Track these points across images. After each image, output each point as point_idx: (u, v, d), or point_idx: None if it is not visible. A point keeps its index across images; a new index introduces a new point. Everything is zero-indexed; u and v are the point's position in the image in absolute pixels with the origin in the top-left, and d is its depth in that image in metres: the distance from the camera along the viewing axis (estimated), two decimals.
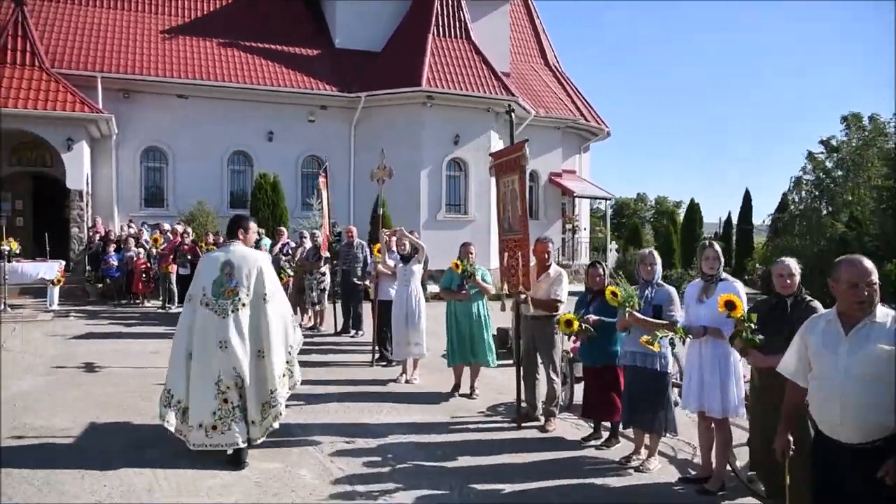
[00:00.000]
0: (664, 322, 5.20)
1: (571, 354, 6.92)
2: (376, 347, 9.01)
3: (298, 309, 11.99)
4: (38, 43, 16.19)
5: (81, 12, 18.86)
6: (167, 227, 14.60)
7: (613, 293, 5.21)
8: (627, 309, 5.20)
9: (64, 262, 14.50)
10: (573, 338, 6.47)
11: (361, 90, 19.55)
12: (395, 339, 8.22)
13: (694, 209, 27.21)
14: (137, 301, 14.20)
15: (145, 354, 8.84)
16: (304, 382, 7.67)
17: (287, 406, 5.87)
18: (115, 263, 13.94)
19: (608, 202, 25.53)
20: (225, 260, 4.87)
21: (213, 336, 4.73)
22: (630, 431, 5.69)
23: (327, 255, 11.26)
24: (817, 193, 23.48)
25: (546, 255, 6.49)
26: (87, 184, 16.27)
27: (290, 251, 12.06)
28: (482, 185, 20.73)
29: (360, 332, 11.08)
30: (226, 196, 18.91)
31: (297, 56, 20.27)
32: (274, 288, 5.01)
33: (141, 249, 13.89)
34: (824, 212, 23.25)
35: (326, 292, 11.36)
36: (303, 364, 8.67)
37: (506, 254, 6.49)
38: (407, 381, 8.10)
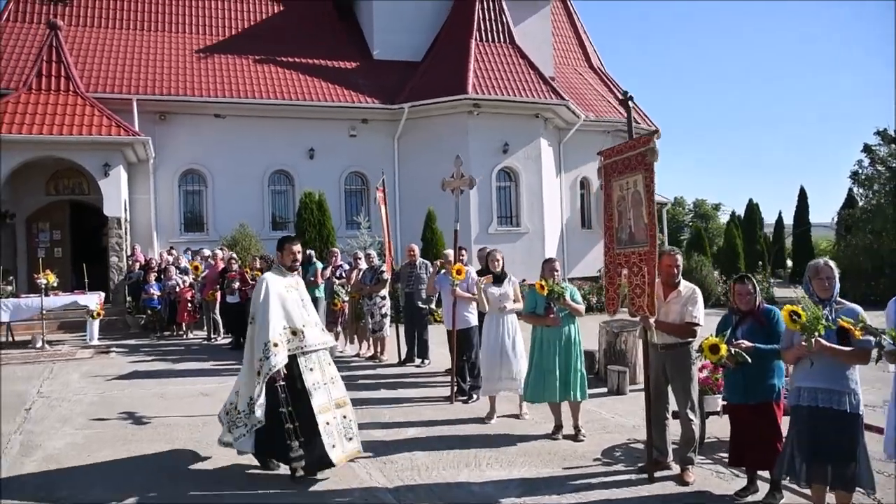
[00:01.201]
0: (858, 350, 4.05)
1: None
2: (456, 380, 7.89)
3: (356, 337, 10.97)
4: (72, 68, 15.62)
5: (115, 35, 18.34)
6: (207, 252, 13.73)
7: (794, 315, 4.04)
8: (812, 336, 4.03)
9: (103, 294, 13.73)
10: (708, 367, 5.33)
11: (404, 101, 18.63)
12: (485, 372, 7.13)
13: (753, 210, 25.64)
14: (181, 333, 13.33)
15: (195, 398, 7.89)
16: (378, 426, 6.71)
17: (365, 458, 5.54)
18: (157, 293, 13.10)
19: (664, 207, 24.15)
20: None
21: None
22: (786, 480, 4.51)
23: (387, 276, 10.21)
24: (890, 187, 21.75)
25: (675, 270, 5.33)
26: (126, 210, 15.56)
27: (343, 274, 11.05)
28: (534, 195, 19.67)
29: (427, 362, 9.99)
30: (267, 217, 18.09)
31: (335, 69, 19.47)
32: (254, 310, 5.04)
33: (185, 277, 13.02)
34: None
35: (388, 318, 10.29)
36: (372, 402, 7.81)
37: (624, 271, 5.33)
38: (513, 416, 7.08)
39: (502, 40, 20.14)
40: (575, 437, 6.32)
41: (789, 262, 29.84)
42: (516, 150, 19.37)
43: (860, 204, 23.28)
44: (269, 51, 19.13)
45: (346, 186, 19.04)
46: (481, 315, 7.52)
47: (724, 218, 39.26)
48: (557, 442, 6.26)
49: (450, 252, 8.16)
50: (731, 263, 21.31)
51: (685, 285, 5.36)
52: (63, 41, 15.74)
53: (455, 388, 7.86)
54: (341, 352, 11.23)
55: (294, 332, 4.96)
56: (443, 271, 8.27)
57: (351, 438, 5.07)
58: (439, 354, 10.17)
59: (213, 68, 18.06)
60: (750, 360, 4.49)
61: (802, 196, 28.83)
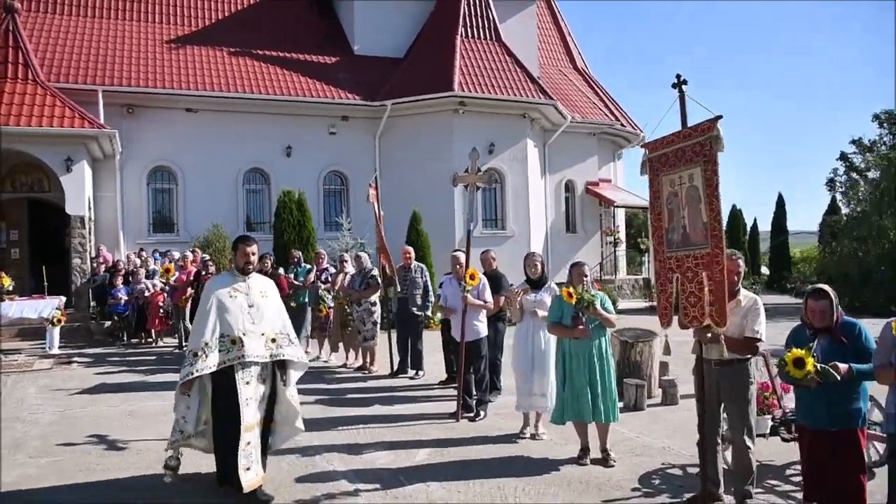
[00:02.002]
0: None
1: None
2: (463, 396, 7.15)
3: (341, 346, 10.15)
4: (31, 54, 14.53)
5: (80, 23, 17.22)
6: (177, 254, 12.77)
7: None
8: None
9: (65, 299, 12.69)
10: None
11: (386, 98, 17.86)
12: (519, 386, 6.46)
13: (736, 216, 25.34)
14: (150, 340, 12.35)
15: (169, 415, 6.97)
16: (381, 448, 5.95)
17: (372, 490, 5.01)
18: (124, 298, 12.12)
19: (647, 212, 23.69)
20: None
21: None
22: None
23: (378, 280, 9.43)
24: (875, 196, 21.64)
25: (736, 278, 4.69)
26: (90, 209, 14.51)
27: (329, 278, 10.24)
28: (519, 197, 19.06)
29: (421, 373, 9.24)
30: (242, 218, 17.13)
31: (315, 64, 18.61)
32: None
33: (155, 281, 12.06)
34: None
35: (378, 325, 9.51)
36: (368, 420, 7.01)
37: (675, 276, 4.66)
38: (533, 437, 6.42)
39: (488, 37, 19.51)
40: (605, 462, 5.65)
41: (765, 269, 29.73)
42: (502, 151, 18.73)
43: (844, 211, 23.17)
44: (245, 43, 18.20)
45: (326, 186, 18.19)
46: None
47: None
48: (586, 468, 5.58)
49: (460, 254, 7.41)
50: None
51: (745, 295, 4.72)
52: (21, 26, 14.66)
53: (461, 404, 7.13)
54: (325, 361, 10.44)
55: (233, 342, 4.59)
56: (449, 277, 7.52)
57: (263, 464, 4.76)
58: (431, 363, 9.45)
59: (185, 60, 17.08)
60: (839, 378, 3.85)
61: (780, 203, 28.74)
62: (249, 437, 4.56)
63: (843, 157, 24.13)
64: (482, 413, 7.17)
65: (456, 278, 7.39)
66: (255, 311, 4.70)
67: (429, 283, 9.37)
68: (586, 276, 5.79)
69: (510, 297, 6.53)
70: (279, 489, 4.91)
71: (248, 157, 17.12)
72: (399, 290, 9.28)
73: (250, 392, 4.60)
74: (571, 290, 5.54)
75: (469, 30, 19.29)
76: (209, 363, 4.48)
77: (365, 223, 17.12)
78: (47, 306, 11.40)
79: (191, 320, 11.14)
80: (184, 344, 11.56)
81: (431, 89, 17.71)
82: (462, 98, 17.64)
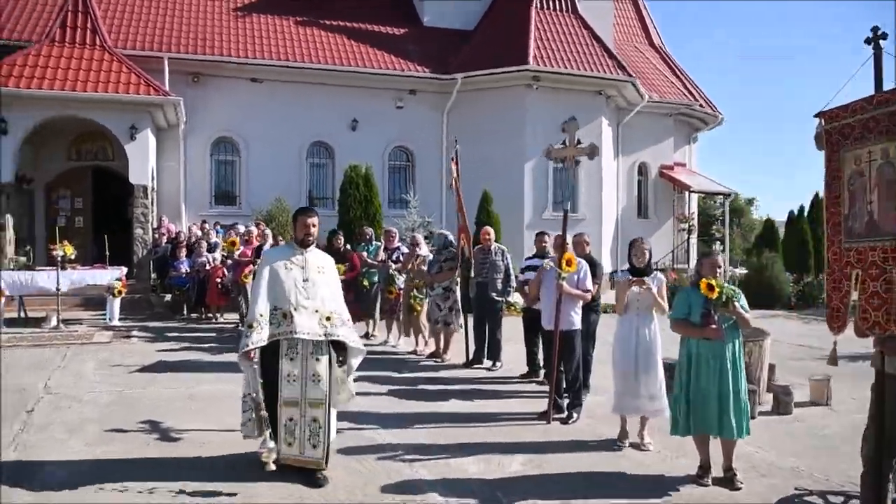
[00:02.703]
0: None
1: None
2: (554, 395, 6.36)
3: (412, 331, 9.47)
4: (99, 20, 14.22)
5: None
6: (241, 228, 12.29)
7: None
8: None
9: (126, 269, 12.38)
10: None
11: (457, 71, 17.03)
12: (619, 385, 5.66)
13: (819, 205, 23.58)
14: (209, 315, 11.94)
15: (233, 401, 6.35)
16: (466, 452, 5.20)
17: None
18: (186, 271, 11.71)
19: (726, 199, 22.30)
20: None
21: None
22: None
23: (454, 262, 8.68)
24: None
25: None
26: (153, 179, 14.19)
27: (401, 257, 9.55)
28: (592, 179, 18.06)
29: (499, 364, 8.48)
30: (304, 193, 16.64)
31: (382, 35, 17.91)
32: None
33: (216, 255, 11.61)
34: None
35: (457, 310, 8.78)
36: (448, 418, 6.13)
37: (855, 272, 3.74)
38: (637, 446, 5.58)
39: (564, 9, 18.44)
40: (730, 484, 4.78)
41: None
42: (574, 130, 17.67)
43: None
44: (312, 12, 17.61)
45: (391, 162, 17.54)
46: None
47: (756, 213, 36.89)
48: (709, 489, 4.73)
49: (548, 237, 6.59)
50: (803, 262, 19.49)
51: None
52: None
53: (552, 404, 6.35)
54: (393, 346, 9.79)
55: (284, 315, 4.47)
56: (545, 263, 6.70)
57: (315, 446, 4.46)
58: (509, 354, 8.70)
59: (252, 28, 16.59)
60: None
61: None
62: (292, 413, 4.45)
63: None
64: (575, 415, 6.37)
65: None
66: (309, 285, 4.55)
67: (510, 266, 8.57)
68: (720, 266, 4.91)
69: (622, 288, 5.68)
70: (364, 499, 4.24)
71: (312, 130, 16.59)
72: (475, 273, 8.50)
73: (294, 369, 4.45)
74: (713, 281, 4.67)
75: (544, 1, 18.25)
76: (264, 335, 4.38)
77: (431, 201, 16.49)
78: (108, 276, 11.06)
79: None
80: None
81: (505, 63, 16.81)
82: (537, 72, 16.69)
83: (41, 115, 12.85)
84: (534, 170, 17.27)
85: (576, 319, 6.45)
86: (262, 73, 16.03)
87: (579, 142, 6.52)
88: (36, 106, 12.72)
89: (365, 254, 9.73)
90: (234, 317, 11.79)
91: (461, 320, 8.89)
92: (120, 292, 10.98)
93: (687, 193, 21.97)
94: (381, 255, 9.56)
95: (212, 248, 12.38)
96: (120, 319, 11.15)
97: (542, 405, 6.67)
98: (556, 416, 6.33)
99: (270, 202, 14.80)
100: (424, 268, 9.08)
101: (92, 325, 10.85)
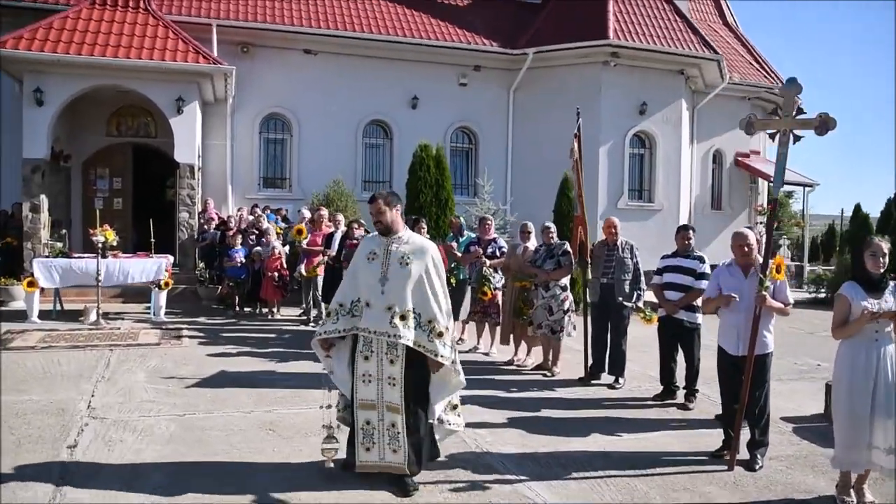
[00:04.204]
0: None
1: None
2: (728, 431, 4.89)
3: (511, 338, 8.02)
4: None
5: None
6: (307, 212, 10.91)
7: None
8: None
9: (172, 258, 11.11)
10: None
11: (528, 46, 15.48)
12: (846, 434, 4.27)
13: None
14: (265, 311, 10.62)
15: (317, 432, 4.95)
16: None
17: None
18: (242, 260, 10.38)
19: (808, 190, 20.49)
20: None
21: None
22: None
23: (570, 259, 7.22)
24: None
25: None
26: (198, 158, 12.89)
27: (497, 252, 8.10)
28: (671, 166, 16.48)
29: (622, 381, 7.03)
30: (360, 175, 15.25)
31: (445, 6, 16.40)
32: None
33: (274, 244, 10.27)
34: None
35: (570, 316, 7.33)
36: (601, 460, 4.91)
37: None
38: None
39: None
40: None
41: None
42: (654, 112, 16.13)
43: None
44: None
45: (452, 144, 16.07)
46: None
47: (795, 206, 34.48)
48: None
49: (747, 233, 5.10)
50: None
51: None
52: None
53: (733, 446, 4.88)
54: (486, 354, 8.37)
55: (360, 308, 4.21)
56: (725, 263, 5.19)
57: (396, 451, 4.15)
58: (634, 370, 7.25)
59: None
60: None
61: None
62: (368, 416, 4.15)
63: None
64: (759, 460, 4.92)
65: (737, 265, 5.06)
66: (385, 280, 4.16)
67: (640, 265, 7.08)
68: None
69: (860, 319, 4.16)
70: None
71: (369, 108, 15.18)
72: (598, 273, 7.02)
73: (369, 368, 4.14)
74: None
75: None
76: (338, 326, 4.20)
77: (496, 188, 15.00)
78: (154, 266, 9.77)
79: (323, 291, 9.34)
80: (311, 319, 9.75)
81: (581, 37, 15.21)
82: (616, 48, 15.07)
83: (80, 85, 11.58)
84: (608, 154, 15.71)
85: (769, 340, 4.96)
86: (317, 44, 14.61)
87: (799, 110, 4.91)
88: (74, 74, 11.46)
89: (455, 245, 8.31)
90: (292, 312, 10.48)
91: (573, 327, 7.45)
92: (167, 284, 9.69)
93: (760, 184, 20.26)
94: (477, 250, 8.10)
95: (261, 235, 11.05)
96: (166, 314, 9.87)
97: (700, 439, 5.41)
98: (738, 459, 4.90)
99: (327, 184, 13.42)
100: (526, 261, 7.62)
101: (136, 322, 9.58)
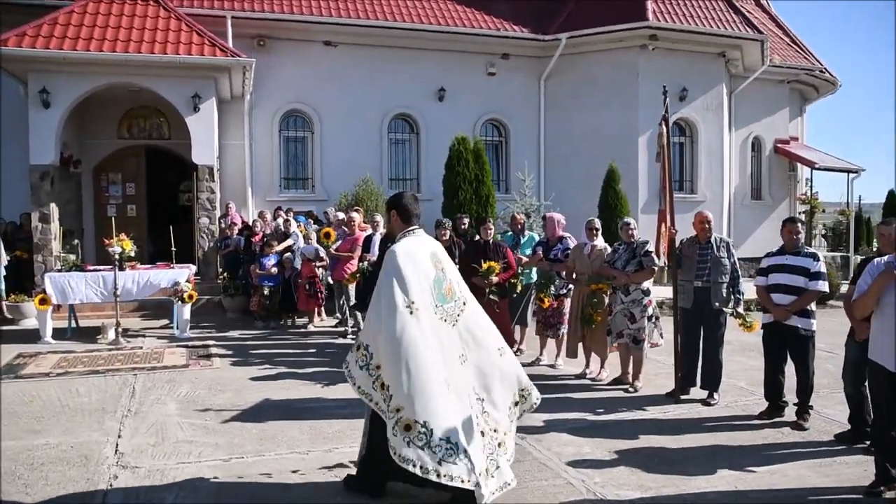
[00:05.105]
0: None
1: None
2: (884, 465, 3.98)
3: (582, 349, 7.11)
4: None
5: None
6: (340, 214, 10.02)
7: None
8: None
9: (194, 268, 10.27)
10: None
11: (561, 31, 14.57)
12: None
13: None
14: (298, 323, 9.75)
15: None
16: None
17: None
18: (275, 269, 9.52)
19: (853, 176, 19.47)
20: (431, 251, 3.61)
21: (455, 351, 3.55)
22: None
23: (657, 261, 6.33)
24: None
25: None
26: (216, 159, 12.04)
27: (559, 255, 7.20)
28: (713, 155, 15.59)
29: (716, 396, 6.13)
30: (386, 173, 14.37)
31: None
32: None
33: (311, 246, 9.40)
34: None
35: (657, 324, 6.44)
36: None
37: None
38: None
39: None
40: None
41: None
42: (694, 99, 15.22)
43: None
44: None
45: (482, 137, 15.15)
46: None
47: (831, 196, 33.38)
48: None
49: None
50: None
51: None
52: None
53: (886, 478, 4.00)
54: (552, 366, 7.49)
55: None
56: (886, 259, 4.27)
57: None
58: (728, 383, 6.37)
59: None
60: None
61: None
62: None
63: None
64: None
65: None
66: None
67: (738, 265, 6.17)
68: None
69: None
70: None
71: (394, 101, 14.29)
72: (690, 275, 6.11)
73: None
74: None
75: None
76: None
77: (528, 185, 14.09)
78: (177, 277, 8.92)
79: (358, 299, 8.47)
80: (349, 331, 8.87)
81: (618, 20, 14.28)
82: (656, 30, 14.14)
83: (88, 84, 10.74)
84: (648, 144, 14.76)
85: None
86: (337, 34, 13.72)
87: None
88: (82, 73, 10.63)
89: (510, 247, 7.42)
90: (323, 324, 9.62)
91: (660, 335, 6.56)
92: (191, 297, 8.83)
93: (800, 170, 19.28)
94: (539, 252, 7.21)
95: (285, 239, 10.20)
96: (190, 329, 9.02)
97: (841, 470, 4.65)
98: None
99: (356, 183, 12.55)
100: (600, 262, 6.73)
101: (159, 339, 8.74)
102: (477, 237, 8.13)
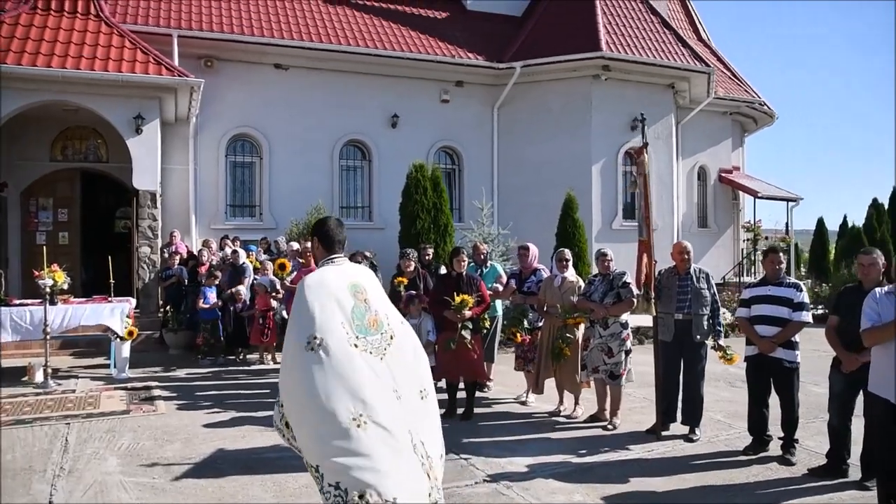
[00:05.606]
0: None
1: None
2: None
3: (556, 384, 6.80)
4: None
5: None
6: (294, 245, 9.52)
7: None
8: None
9: (134, 301, 9.54)
10: None
11: (515, 59, 14.52)
12: None
13: (891, 206, 21.45)
14: (251, 357, 9.14)
15: None
16: None
17: None
18: (217, 300, 8.91)
19: (792, 205, 20.06)
20: (352, 282, 3.14)
21: (389, 385, 2.99)
22: None
23: (630, 291, 6.12)
24: None
25: None
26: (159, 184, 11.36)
27: (532, 287, 6.90)
28: (664, 184, 15.77)
29: (698, 432, 5.89)
30: (336, 200, 13.91)
31: (424, 18, 15.36)
32: None
33: (268, 278, 8.86)
34: None
35: (630, 357, 6.20)
36: None
37: None
38: None
39: None
40: None
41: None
42: (646, 128, 15.32)
43: None
44: None
45: (435, 165, 14.89)
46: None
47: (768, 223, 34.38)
48: None
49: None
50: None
51: None
52: None
53: None
54: (523, 402, 7.15)
55: None
56: (885, 290, 4.11)
57: None
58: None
59: (277, 5, 13.87)
60: None
61: (894, 198, 24.84)
62: None
63: None
64: None
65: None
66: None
67: (717, 296, 6.00)
68: None
69: None
70: None
71: (346, 127, 13.90)
72: (669, 307, 5.91)
73: None
74: None
75: None
76: None
77: (477, 211, 13.87)
78: (115, 312, 8.20)
79: None
80: None
81: (571, 49, 14.34)
82: (609, 61, 14.26)
83: (18, 102, 9.97)
84: (601, 172, 14.83)
85: None
86: (288, 57, 13.29)
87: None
88: (13, 88, 9.83)
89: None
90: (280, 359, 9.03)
91: (630, 371, 6.31)
92: (131, 333, 8.13)
93: (743, 200, 19.80)
94: (512, 284, 6.90)
95: (240, 273, 9.62)
96: (129, 369, 8.30)
97: None
98: None
99: (308, 211, 12.03)
100: (574, 297, 6.47)
101: (94, 381, 7.98)
102: (443, 269, 7.82)
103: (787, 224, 20.58)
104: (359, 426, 2.74)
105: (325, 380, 2.81)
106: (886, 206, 21.07)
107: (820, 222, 22.09)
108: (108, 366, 8.51)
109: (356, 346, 2.99)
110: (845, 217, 19.84)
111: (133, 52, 10.41)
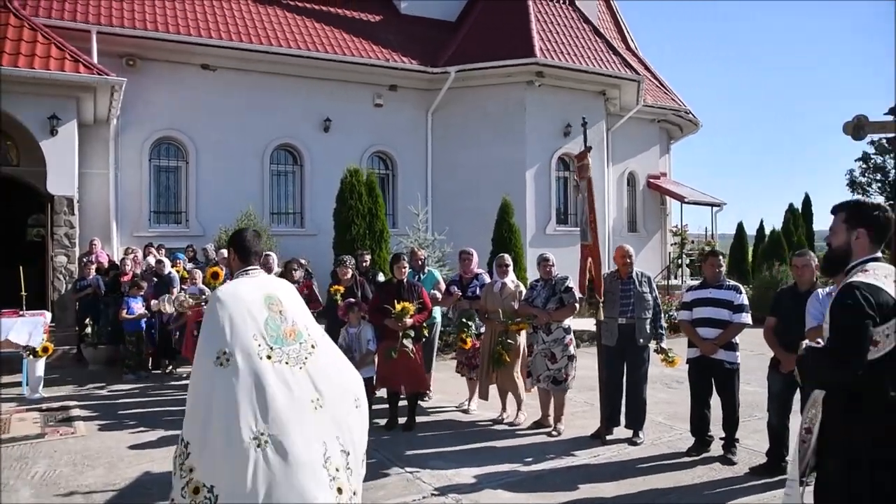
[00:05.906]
0: None
1: None
2: None
3: (499, 390, 6.69)
4: None
5: None
6: (224, 252, 9.07)
7: None
8: None
9: (49, 315, 8.89)
10: None
11: (449, 64, 14.48)
12: None
13: (805, 211, 22.59)
14: (181, 370, 8.68)
15: None
16: None
17: None
18: (143, 311, 8.41)
19: (716, 210, 20.81)
20: (267, 293, 3.12)
21: (306, 395, 2.96)
22: None
23: (578, 296, 6.09)
24: None
25: None
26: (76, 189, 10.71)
27: (476, 291, 6.79)
28: (595, 189, 15.73)
29: (642, 435, 5.90)
30: (267, 206, 13.47)
31: (357, 21, 15.14)
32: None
33: (197, 287, 8.42)
34: None
35: (574, 363, 6.17)
36: None
37: None
38: None
39: (562, 0, 16.39)
40: None
41: None
42: (578, 135, 15.49)
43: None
44: None
45: (369, 170, 14.64)
46: None
47: (694, 228, 35.98)
48: None
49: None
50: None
51: None
52: None
53: None
54: (465, 410, 7.02)
55: None
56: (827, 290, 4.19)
57: None
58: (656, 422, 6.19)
59: (204, 3, 13.36)
60: None
61: (807, 203, 26.36)
62: None
63: (865, 157, 21.99)
64: None
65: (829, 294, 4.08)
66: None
67: (659, 299, 6.04)
68: None
69: None
70: None
71: (277, 131, 13.53)
72: (613, 311, 5.91)
73: None
74: None
75: None
76: None
77: (410, 216, 13.74)
78: (28, 327, 7.61)
79: None
80: None
81: (506, 55, 14.42)
82: (543, 67, 14.40)
83: None
84: (535, 178, 14.95)
85: None
86: (216, 58, 12.82)
87: None
88: None
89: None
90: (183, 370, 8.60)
91: (571, 377, 6.28)
92: (46, 350, 7.56)
93: (670, 204, 20.42)
94: (455, 290, 6.77)
95: (166, 283, 9.13)
96: (44, 388, 7.71)
97: None
98: None
99: (237, 217, 11.57)
100: (515, 303, 6.41)
101: (4, 402, 7.37)
102: (381, 276, 7.64)
103: (710, 228, 21.39)
104: (259, 446, 2.73)
105: (232, 395, 2.79)
106: (800, 211, 22.26)
107: (740, 227, 23.03)
108: (19, 384, 7.88)
109: (269, 357, 2.96)
110: (762, 222, 20.72)
111: (47, 47, 9.77)
